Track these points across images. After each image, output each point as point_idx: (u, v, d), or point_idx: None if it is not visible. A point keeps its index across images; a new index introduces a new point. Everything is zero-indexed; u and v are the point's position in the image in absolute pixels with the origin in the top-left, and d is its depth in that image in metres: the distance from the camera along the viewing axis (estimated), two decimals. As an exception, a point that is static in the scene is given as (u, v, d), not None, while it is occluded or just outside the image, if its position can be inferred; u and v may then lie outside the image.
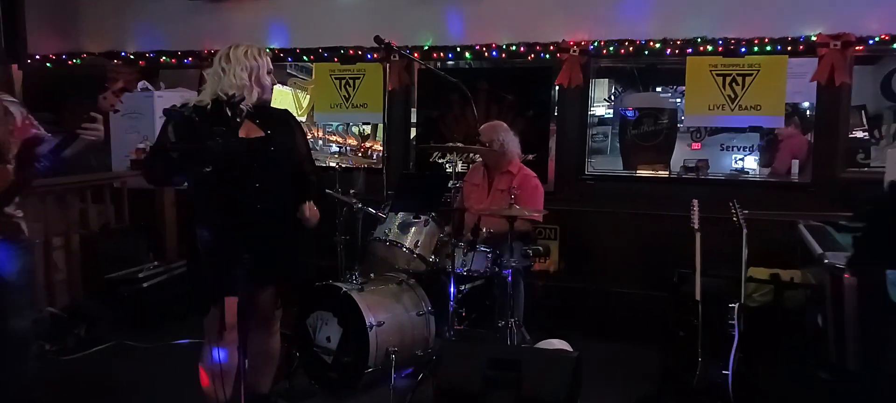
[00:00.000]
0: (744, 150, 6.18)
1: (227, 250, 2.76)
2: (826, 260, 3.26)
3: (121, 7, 6.55)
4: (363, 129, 8.31)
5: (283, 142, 3.11)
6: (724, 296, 4.12)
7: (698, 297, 3.70)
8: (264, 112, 3.10)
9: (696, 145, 6.18)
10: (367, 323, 3.71)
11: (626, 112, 5.84)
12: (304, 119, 7.23)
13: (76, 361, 4.61)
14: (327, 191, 4.05)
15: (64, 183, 5.19)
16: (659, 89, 6.07)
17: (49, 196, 5.06)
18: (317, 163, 3.58)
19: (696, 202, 3.90)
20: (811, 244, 3.70)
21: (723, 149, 5.92)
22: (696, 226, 3.82)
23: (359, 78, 5.86)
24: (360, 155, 8.25)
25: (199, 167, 2.72)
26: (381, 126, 6.30)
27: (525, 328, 4.20)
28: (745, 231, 3.76)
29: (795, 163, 5.64)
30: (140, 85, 6.06)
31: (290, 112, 3.36)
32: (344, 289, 3.82)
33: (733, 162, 6.12)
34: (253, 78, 2.96)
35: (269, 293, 3.19)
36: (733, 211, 3.80)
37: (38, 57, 6.65)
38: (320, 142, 8.86)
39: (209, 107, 2.95)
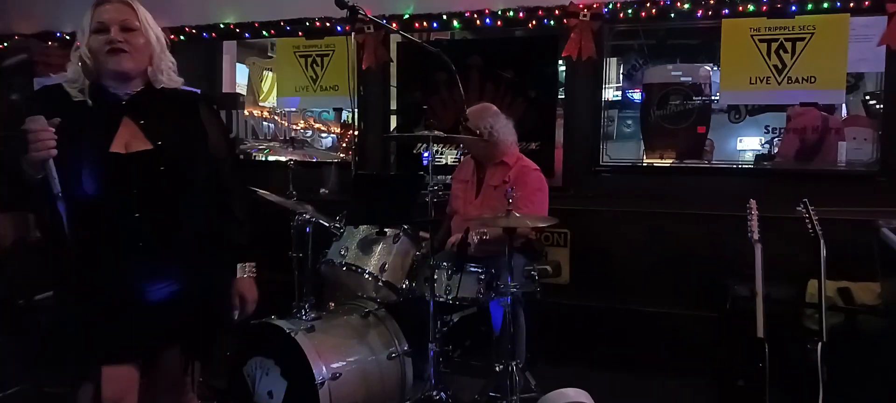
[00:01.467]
0: (771, 132, 5.24)
1: (100, 301, 2.04)
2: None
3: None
4: (349, 116, 7.37)
5: (183, 150, 2.17)
6: (788, 325, 3.24)
7: (762, 333, 2.75)
8: (155, 101, 2.16)
9: (700, 128, 5.21)
10: (317, 378, 2.77)
11: (647, 90, 4.87)
12: (271, 103, 6.27)
13: (-28, 414, 3.72)
14: (263, 193, 3.11)
15: (-35, 190, 4.27)
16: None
17: (-57, 207, 4.15)
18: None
19: (753, 204, 2.95)
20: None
21: (767, 132, 4.93)
22: (756, 237, 2.88)
23: (327, 55, 4.96)
24: (343, 145, 7.34)
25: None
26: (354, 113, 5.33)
27: (529, 371, 3.27)
28: (823, 242, 2.80)
29: (842, 147, 4.68)
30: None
31: (200, 95, 2.38)
32: (286, 330, 2.88)
33: (739, 144, 5.15)
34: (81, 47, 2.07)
35: (174, 355, 2.27)
36: (806, 214, 2.85)
37: (-36, 41, 5.78)
38: (309, 132, 7.93)
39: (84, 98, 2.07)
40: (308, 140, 7.76)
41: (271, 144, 6.14)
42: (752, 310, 2.88)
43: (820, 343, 2.72)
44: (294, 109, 6.54)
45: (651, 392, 3.74)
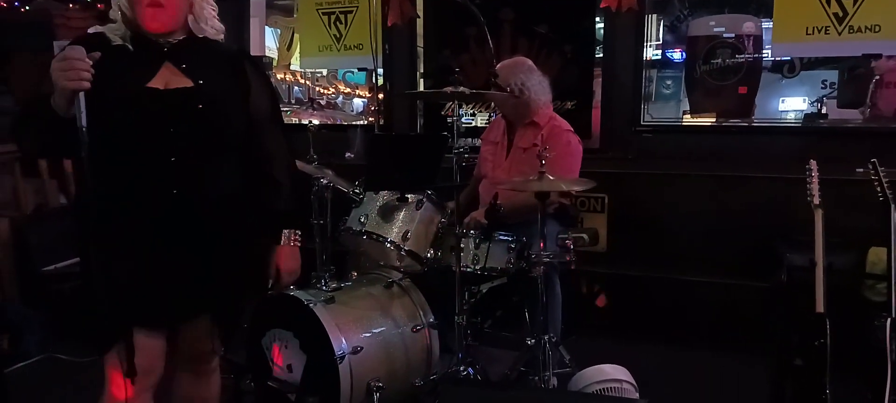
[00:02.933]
0: (824, 87, 4.88)
1: (130, 261, 1.93)
2: None
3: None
4: (380, 78, 7.17)
5: (223, 96, 2.03)
6: (848, 298, 2.97)
7: (822, 308, 2.49)
8: (198, 50, 2.03)
9: (741, 89, 4.86)
10: (337, 352, 2.61)
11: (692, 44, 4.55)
12: (296, 65, 6.09)
13: (-8, 383, 3.65)
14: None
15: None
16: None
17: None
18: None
19: (814, 164, 2.67)
20: None
21: (824, 87, 4.59)
22: (817, 201, 2.60)
23: (351, 12, 4.74)
24: (373, 109, 7.14)
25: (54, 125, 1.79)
26: (379, 72, 5.11)
27: (563, 345, 3.06)
28: (893, 206, 2.52)
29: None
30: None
31: (247, 52, 2.24)
32: (305, 301, 2.71)
33: (781, 104, 4.80)
34: None
35: (201, 326, 2.15)
36: (874, 175, 2.56)
37: (-19, 3, 5.80)
38: (339, 98, 7.77)
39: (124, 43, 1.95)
40: (338, 104, 7.58)
41: (294, 107, 5.97)
42: (809, 282, 2.60)
43: (889, 319, 2.45)
44: (324, 73, 6.41)
45: (697, 367, 3.50)
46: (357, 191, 2.91)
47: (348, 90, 7.80)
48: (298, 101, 6.42)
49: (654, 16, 4.85)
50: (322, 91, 7.41)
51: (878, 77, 4.30)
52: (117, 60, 1.88)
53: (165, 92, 1.94)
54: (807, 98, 4.78)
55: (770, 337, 3.04)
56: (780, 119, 4.70)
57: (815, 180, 2.63)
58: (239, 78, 2.09)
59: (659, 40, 5.17)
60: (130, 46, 1.94)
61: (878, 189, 2.56)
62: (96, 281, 1.87)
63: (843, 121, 4.49)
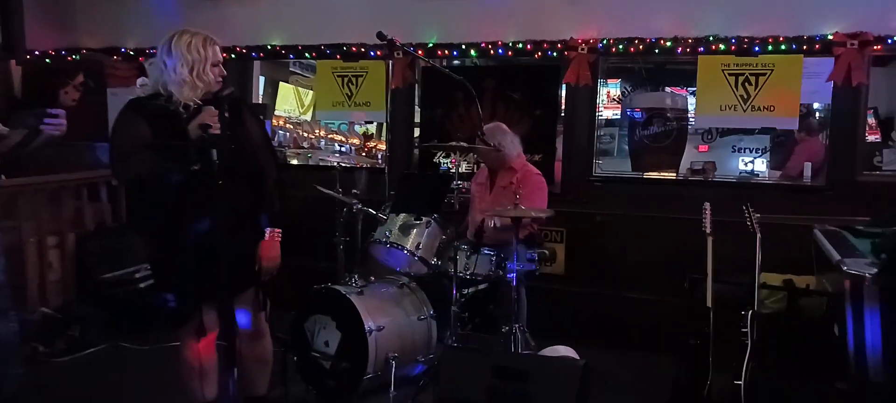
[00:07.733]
0: (754, 152, 6.06)
1: (208, 256, 2.62)
2: (845, 267, 3.11)
3: (119, 2, 6.38)
4: (367, 128, 8.19)
5: (237, 138, 2.81)
6: (738, 303, 4.00)
7: (710, 304, 3.55)
8: (214, 103, 2.81)
9: (703, 147, 6.03)
10: (367, 328, 3.58)
11: (634, 113, 5.70)
12: (308, 117, 7.09)
13: (68, 364, 4.50)
14: (322, 189, 3.95)
15: (58, 180, 5.08)
16: (669, 89, 5.94)
17: (42, 194, 4.94)
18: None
19: (708, 205, 3.75)
20: (828, 249, 3.56)
21: (734, 151, 5.77)
22: (708, 231, 3.67)
23: (361, 76, 5.71)
24: (363, 154, 8.14)
25: (182, 165, 2.62)
26: (384, 125, 6.11)
27: (530, 333, 4.07)
28: (758, 236, 3.60)
29: (808, 166, 5.49)
30: (139, 82, 5.91)
31: (244, 99, 3.17)
32: (343, 292, 3.69)
33: (742, 164, 5.98)
34: (195, 73, 2.76)
35: (249, 296, 3.01)
36: (747, 214, 3.65)
37: (36, 52, 6.45)
38: (322, 141, 8.76)
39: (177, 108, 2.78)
40: (321, 147, 8.55)
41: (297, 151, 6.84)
42: (705, 288, 3.63)
43: (750, 312, 3.46)
44: (307, 119, 7.32)
45: (630, 362, 4.46)
46: (383, 215, 3.95)
47: (340, 138, 8.83)
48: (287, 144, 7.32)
49: (619, 80, 5.87)
50: (306, 135, 8.39)
51: (797, 143, 5.45)
52: (173, 122, 2.70)
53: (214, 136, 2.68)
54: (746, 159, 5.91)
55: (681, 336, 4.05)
56: (736, 175, 5.74)
57: (708, 216, 3.70)
58: (241, 119, 2.88)
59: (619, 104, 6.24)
60: (181, 109, 2.74)
61: (749, 222, 3.63)
62: (170, 278, 2.78)
63: (749, 177, 5.63)
